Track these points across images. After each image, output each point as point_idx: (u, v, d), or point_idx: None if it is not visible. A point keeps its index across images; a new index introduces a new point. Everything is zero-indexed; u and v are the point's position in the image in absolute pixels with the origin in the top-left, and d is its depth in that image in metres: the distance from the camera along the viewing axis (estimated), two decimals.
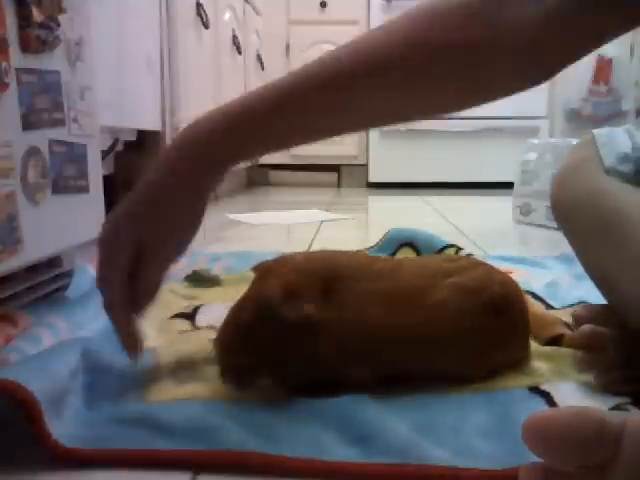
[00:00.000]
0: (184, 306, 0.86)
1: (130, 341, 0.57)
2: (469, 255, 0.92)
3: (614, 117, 3.12)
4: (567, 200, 0.62)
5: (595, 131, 0.63)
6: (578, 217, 0.60)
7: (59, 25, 0.76)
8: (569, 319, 0.71)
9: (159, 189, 0.56)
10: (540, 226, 1.75)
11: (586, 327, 0.59)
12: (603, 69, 3.05)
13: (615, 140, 0.61)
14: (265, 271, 0.59)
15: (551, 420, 0.37)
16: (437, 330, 0.57)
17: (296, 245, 0.62)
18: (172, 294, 0.94)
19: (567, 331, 0.70)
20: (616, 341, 0.58)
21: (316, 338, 0.55)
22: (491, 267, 0.64)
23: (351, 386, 0.56)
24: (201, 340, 0.68)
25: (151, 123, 1.65)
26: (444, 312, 0.58)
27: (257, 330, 0.55)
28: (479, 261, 0.65)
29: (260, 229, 1.74)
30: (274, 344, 0.55)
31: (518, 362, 0.62)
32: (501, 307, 0.60)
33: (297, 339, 0.55)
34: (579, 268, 0.69)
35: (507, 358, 0.62)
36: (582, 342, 0.60)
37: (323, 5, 3.21)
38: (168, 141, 1.73)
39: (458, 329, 0.58)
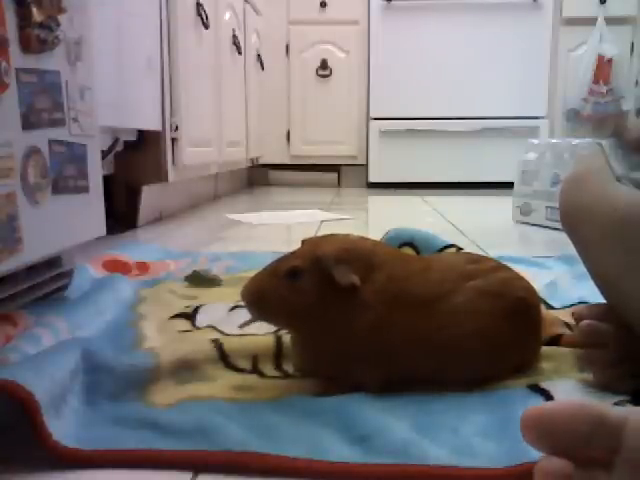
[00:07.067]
0: (184, 306, 0.86)
1: None
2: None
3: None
4: (577, 207, 0.62)
5: (604, 141, 0.63)
6: (588, 223, 0.60)
7: (59, 25, 0.75)
8: (569, 319, 0.71)
9: None
10: (540, 226, 1.74)
11: (585, 323, 0.59)
12: (603, 69, 3.06)
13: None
14: (315, 240, 0.60)
15: (551, 413, 0.37)
16: (456, 334, 0.57)
17: (296, 245, 0.62)
18: (172, 294, 0.94)
19: (567, 331, 0.70)
20: (616, 338, 0.58)
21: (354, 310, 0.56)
22: (512, 271, 0.64)
23: (360, 387, 0.56)
24: (201, 340, 0.68)
25: (151, 123, 1.65)
26: (464, 315, 0.58)
27: (304, 276, 0.56)
28: (500, 264, 0.65)
29: (260, 229, 1.74)
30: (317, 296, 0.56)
31: (525, 365, 0.62)
32: (523, 313, 0.61)
33: (336, 303, 0.56)
34: (579, 268, 0.69)
35: (519, 362, 0.62)
36: (581, 339, 0.60)
37: (323, 5, 3.21)
38: (168, 141, 1.73)
39: (478, 333, 0.58)
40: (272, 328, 0.69)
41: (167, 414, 0.53)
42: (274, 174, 3.48)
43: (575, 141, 1.70)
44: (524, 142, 1.95)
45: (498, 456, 0.46)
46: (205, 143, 2.07)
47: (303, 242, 0.61)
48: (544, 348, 0.66)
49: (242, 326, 0.75)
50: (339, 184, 3.44)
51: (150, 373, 0.59)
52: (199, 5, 1.94)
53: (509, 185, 1.94)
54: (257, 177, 3.47)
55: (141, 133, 1.67)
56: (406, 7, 3.11)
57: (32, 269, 0.77)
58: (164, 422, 0.51)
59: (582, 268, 0.65)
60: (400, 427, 0.50)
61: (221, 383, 0.60)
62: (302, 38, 3.24)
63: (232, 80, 2.45)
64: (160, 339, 0.73)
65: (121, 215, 1.69)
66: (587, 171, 0.63)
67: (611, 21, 3.06)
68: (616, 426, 0.37)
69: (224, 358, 0.64)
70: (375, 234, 0.90)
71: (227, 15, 2.36)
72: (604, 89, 3.07)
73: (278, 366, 0.64)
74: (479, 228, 1.71)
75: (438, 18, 3.11)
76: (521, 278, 0.64)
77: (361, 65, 3.24)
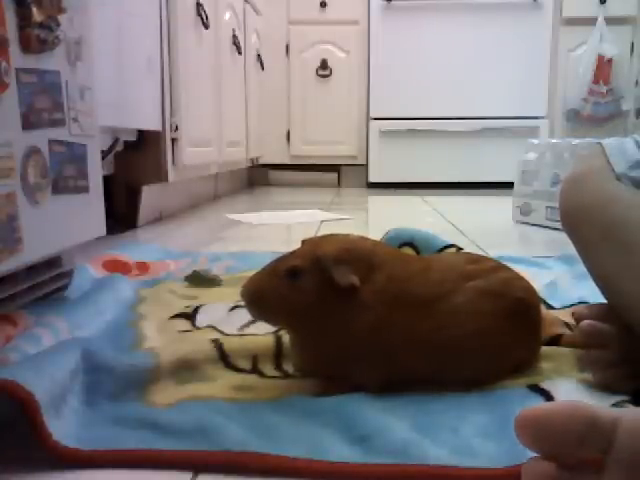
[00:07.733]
0: (184, 306, 0.86)
1: None
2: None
3: (614, 117, 3.12)
4: (577, 207, 0.62)
5: (604, 141, 0.63)
6: (588, 223, 0.60)
7: (59, 25, 0.75)
8: (569, 319, 0.71)
9: None
10: (540, 226, 1.74)
11: (585, 323, 0.59)
12: (603, 69, 3.06)
13: (625, 148, 0.61)
14: (315, 240, 0.60)
15: (544, 415, 0.37)
16: (456, 334, 0.57)
17: (296, 245, 0.62)
18: (172, 294, 0.94)
19: (567, 331, 0.70)
20: (617, 339, 0.58)
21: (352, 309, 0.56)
22: (512, 271, 0.64)
23: (360, 387, 0.56)
24: (201, 340, 0.68)
25: (151, 123, 1.65)
26: (464, 316, 0.58)
27: (304, 276, 0.56)
28: (500, 264, 0.65)
29: (260, 229, 1.74)
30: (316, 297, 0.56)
31: (525, 365, 0.62)
32: (523, 313, 0.61)
33: (336, 303, 0.56)
34: (579, 268, 0.68)
35: (519, 362, 0.62)
36: (582, 339, 0.60)
37: (323, 5, 3.21)
38: (168, 141, 1.73)
39: (478, 333, 0.58)
40: (272, 328, 0.69)
41: (167, 414, 0.53)
42: (274, 174, 3.48)
43: (575, 141, 1.70)
44: (524, 142, 1.96)
45: (498, 456, 0.46)
46: (205, 143, 2.07)
47: (303, 242, 0.61)
48: (544, 348, 0.66)
49: (242, 328, 0.75)
50: (339, 184, 3.44)
51: (150, 373, 0.59)
52: (199, 5, 1.94)
53: (509, 185, 1.94)
54: (257, 177, 3.47)
55: (141, 133, 1.67)
56: (406, 7, 3.11)
57: (32, 269, 0.77)
58: (164, 422, 0.51)
59: (582, 268, 0.65)
60: (400, 427, 0.50)
61: (221, 383, 0.60)
62: (302, 38, 3.24)
63: (232, 80, 2.45)
64: (160, 339, 0.73)
65: (121, 215, 1.69)
66: (587, 171, 0.63)
67: (611, 21, 3.06)
68: (609, 427, 0.37)
69: (224, 358, 0.64)
70: (375, 234, 0.90)
71: (227, 15, 2.36)
72: (604, 89, 3.07)
73: (278, 366, 0.64)
74: (479, 228, 1.71)
75: (438, 18, 3.11)
76: (521, 278, 0.64)
77: (361, 65, 3.24)
